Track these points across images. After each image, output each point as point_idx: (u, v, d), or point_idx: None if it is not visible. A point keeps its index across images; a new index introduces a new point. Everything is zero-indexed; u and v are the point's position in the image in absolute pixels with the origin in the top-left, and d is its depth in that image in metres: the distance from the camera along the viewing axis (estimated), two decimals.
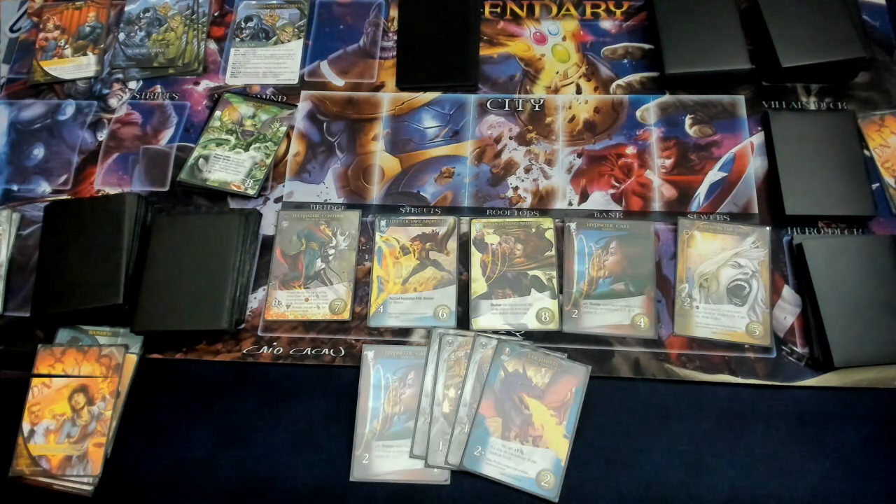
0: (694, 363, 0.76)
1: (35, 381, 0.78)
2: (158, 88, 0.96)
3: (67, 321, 0.82)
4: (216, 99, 0.94)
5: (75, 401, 0.77)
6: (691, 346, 0.77)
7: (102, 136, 0.94)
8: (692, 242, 0.81)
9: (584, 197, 0.86)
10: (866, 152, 0.85)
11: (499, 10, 0.99)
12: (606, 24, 0.97)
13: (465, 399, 0.75)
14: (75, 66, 0.99)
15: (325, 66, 0.96)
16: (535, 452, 0.72)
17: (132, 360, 0.79)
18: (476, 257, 0.82)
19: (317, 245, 0.85)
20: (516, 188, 0.87)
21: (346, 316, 0.81)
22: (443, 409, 0.75)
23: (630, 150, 0.88)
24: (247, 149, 0.90)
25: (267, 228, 0.86)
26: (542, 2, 0.99)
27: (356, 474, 0.73)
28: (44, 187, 0.91)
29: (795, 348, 0.77)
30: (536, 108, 0.91)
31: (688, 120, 0.89)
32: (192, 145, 0.91)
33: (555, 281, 0.81)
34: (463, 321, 0.79)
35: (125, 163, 0.92)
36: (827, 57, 0.85)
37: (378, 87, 0.94)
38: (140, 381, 0.79)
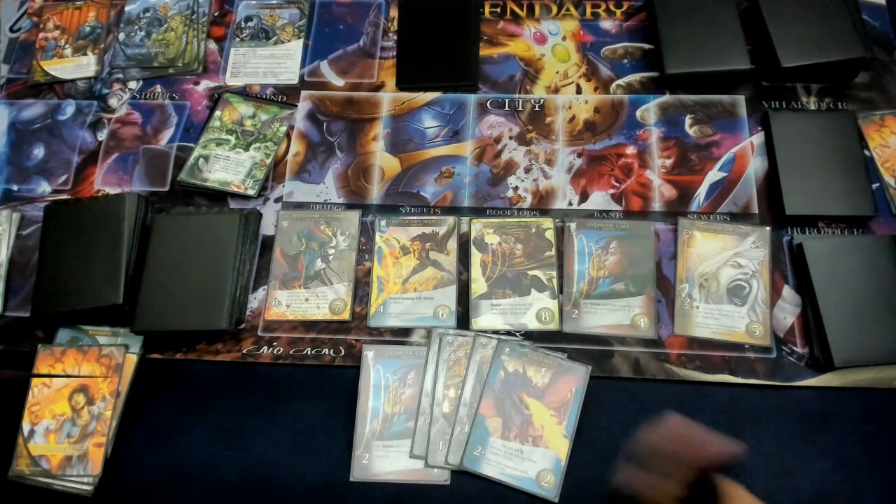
0: (694, 363, 0.76)
1: (35, 381, 0.78)
2: (158, 88, 0.96)
3: (67, 321, 0.82)
4: (216, 99, 0.94)
5: (75, 401, 0.77)
6: (691, 346, 0.77)
7: (102, 136, 0.94)
8: (692, 242, 0.81)
9: (584, 197, 0.86)
10: (866, 152, 0.85)
11: (499, 10, 0.99)
12: (606, 24, 0.97)
13: (465, 399, 0.75)
14: (75, 66, 0.99)
15: (325, 66, 0.96)
16: (535, 452, 0.72)
17: (132, 360, 0.79)
18: (476, 257, 0.82)
19: (317, 245, 0.84)
20: (516, 188, 0.87)
21: (346, 316, 0.81)
22: (443, 409, 0.75)
23: (630, 150, 0.88)
24: (247, 149, 0.90)
25: (267, 228, 0.86)
26: (542, 2, 0.99)
27: (356, 474, 0.73)
28: (44, 187, 0.91)
29: (795, 348, 0.77)
30: (536, 108, 0.91)
31: (688, 120, 0.89)
32: (192, 145, 0.91)
33: (555, 281, 0.81)
34: (463, 321, 0.79)
35: (125, 163, 0.92)
36: (827, 57, 0.85)
37: (378, 87, 0.94)
38: (140, 381, 0.79)
